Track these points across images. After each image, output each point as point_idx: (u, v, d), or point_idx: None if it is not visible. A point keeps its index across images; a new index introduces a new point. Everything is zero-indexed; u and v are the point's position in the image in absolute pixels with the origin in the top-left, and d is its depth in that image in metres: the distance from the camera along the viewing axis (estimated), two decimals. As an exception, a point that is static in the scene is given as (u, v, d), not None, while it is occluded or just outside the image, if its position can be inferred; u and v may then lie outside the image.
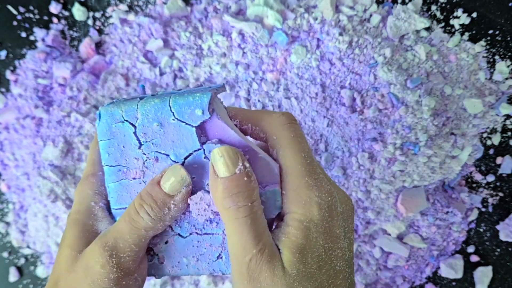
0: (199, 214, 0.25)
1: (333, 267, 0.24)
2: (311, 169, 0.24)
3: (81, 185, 0.28)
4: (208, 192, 0.25)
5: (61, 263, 0.26)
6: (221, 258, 0.26)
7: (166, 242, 0.27)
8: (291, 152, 0.25)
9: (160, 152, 0.26)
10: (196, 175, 0.26)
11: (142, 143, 0.26)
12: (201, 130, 0.26)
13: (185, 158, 0.26)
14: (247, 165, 0.23)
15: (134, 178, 0.27)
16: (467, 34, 0.53)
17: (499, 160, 0.54)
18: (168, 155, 0.26)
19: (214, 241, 0.26)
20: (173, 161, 0.26)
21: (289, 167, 0.25)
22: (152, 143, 0.26)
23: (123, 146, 0.26)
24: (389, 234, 0.53)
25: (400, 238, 0.53)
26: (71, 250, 0.26)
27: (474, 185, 0.55)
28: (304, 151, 0.25)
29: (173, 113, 0.26)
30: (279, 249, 0.23)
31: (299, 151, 0.25)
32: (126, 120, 0.26)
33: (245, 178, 0.23)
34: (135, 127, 0.26)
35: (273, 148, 0.26)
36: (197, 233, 0.27)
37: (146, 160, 0.26)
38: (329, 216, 0.24)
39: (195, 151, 0.26)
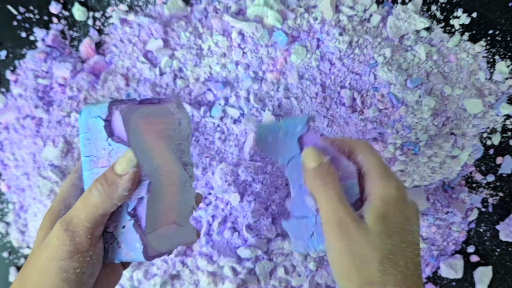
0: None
1: (405, 236, 0.30)
2: (390, 170, 0.33)
3: (64, 181, 0.32)
4: None
5: (35, 243, 0.31)
6: (313, 236, 0.33)
7: (123, 227, 0.30)
8: (374, 155, 0.33)
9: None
10: (296, 173, 0.35)
11: (109, 136, 0.30)
12: (299, 141, 0.35)
13: (289, 161, 0.35)
14: (327, 159, 0.32)
15: (102, 167, 0.30)
16: (467, 34, 0.53)
17: (499, 160, 0.54)
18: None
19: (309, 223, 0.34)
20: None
21: (373, 163, 0.32)
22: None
23: (95, 138, 0.30)
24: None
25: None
26: (42, 232, 0.30)
27: (474, 185, 0.55)
28: (383, 160, 0.33)
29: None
30: (363, 217, 0.30)
31: (380, 159, 0.33)
32: (98, 116, 0.30)
33: (327, 167, 0.32)
34: (105, 121, 0.30)
35: (358, 154, 0.33)
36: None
37: (111, 150, 0.30)
38: (403, 199, 0.31)
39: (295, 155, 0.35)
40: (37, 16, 0.54)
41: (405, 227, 0.30)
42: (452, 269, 0.54)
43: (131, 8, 0.54)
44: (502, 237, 0.54)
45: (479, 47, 0.53)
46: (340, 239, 0.30)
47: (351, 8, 0.52)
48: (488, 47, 0.53)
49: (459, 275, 0.54)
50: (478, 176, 0.54)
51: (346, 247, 0.29)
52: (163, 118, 0.34)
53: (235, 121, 0.51)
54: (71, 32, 0.55)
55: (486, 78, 0.53)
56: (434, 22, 0.54)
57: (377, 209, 0.30)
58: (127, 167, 0.29)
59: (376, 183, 0.31)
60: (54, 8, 0.54)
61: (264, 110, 0.51)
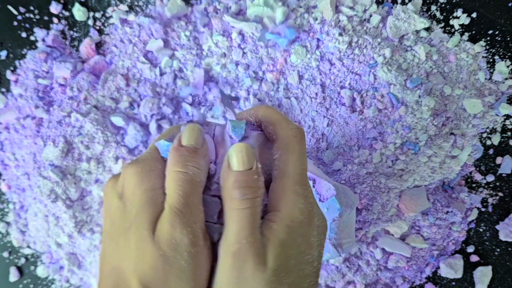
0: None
1: (303, 269, 0.26)
2: (303, 180, 0.27)
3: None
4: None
5: None
6: None
7: None
8: (293, 160, 0.27)
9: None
10: None
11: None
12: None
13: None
14: (259, 166, 0.26)
15: None
16: (466, 34, 0.54)
17: (498, 160, 0.54)
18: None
19: None
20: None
21: (286, 172, 0.27)
22: None
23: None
24: (392, 235, 0.53)
25: (402, 239, 0.53)
26: None
27: (474, 185, 0.55)
28: (303, 164, 0.27)
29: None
30: (263, 241, 0.25)
31: (300, 163, 0.27)
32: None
33: (255, 176, 0.25)
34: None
35: (278, 150, 0.28)
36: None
37: None
38: (308, 223, 0.26)
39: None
40: (38, 16, 0.54)
41: (306, 257, 0.26)
42: (452, 269, 0.54)
43: (131, 8, 0.54)
44: (502, 237, 0.54)
45: (479, 47, 0.53)
46: (230, 272, 0.24)
47: (351, 8, 0.52)
48: (488, 47, 0.53)
49: (459, 275, 0.54)
50: (477, 176, 0.54)
51: (233, 285, 0.24)
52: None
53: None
54: (71, 32, 0.55)
55: (486, 78, 0.53)
56: (434, 22, 0.54)
57: (276, 235, 0.25)
58: (200, 137, 0.26)
59: (281, 199, 0.26)
60: (55, 8, 0.54)
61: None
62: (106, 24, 0.55)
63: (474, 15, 0.53)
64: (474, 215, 0.54)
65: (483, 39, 0.53)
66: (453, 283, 0.55)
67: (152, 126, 0.51)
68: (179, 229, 0.24)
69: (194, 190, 0.25)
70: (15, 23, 0.54)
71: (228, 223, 0.25)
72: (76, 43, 0.55)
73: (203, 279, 0.25)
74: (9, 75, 0.54)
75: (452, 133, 0.52)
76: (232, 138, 0.28)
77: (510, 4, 0.53)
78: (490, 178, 0.54)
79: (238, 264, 0.24)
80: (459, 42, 0.53)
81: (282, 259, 0.24)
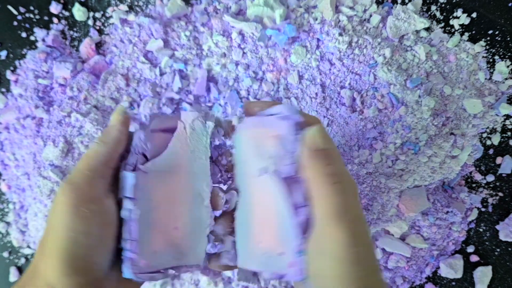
0: None
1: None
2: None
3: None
4: None
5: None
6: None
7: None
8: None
9: None
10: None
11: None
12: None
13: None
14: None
15: None
16: (466, 34, 0.54)
17: (498, 160, 0.54)
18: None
19: None
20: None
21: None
22: None
23: None
24: (392, 235, 0.53)
25: (402, 239, 0.53)
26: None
27: (474, 185, 0.55)
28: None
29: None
30: None
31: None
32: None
33: (337, 153, 0.29)
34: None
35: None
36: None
37: None
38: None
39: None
40: (38, 16, 0.54)
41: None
42: (452, 269, 0.54)
43: (131, 8, 0.54)
44: (502, 237, 0.54)
45: (479, 47, 0.53)
46: (362, 231, 0.27)
47: (351, 8, 0.52)
48: (488, 47, 0.53)
49: (459, 275, 0.54)
50: (477, 176, 0.54)
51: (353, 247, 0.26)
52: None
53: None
54: (71, 32, 0.55)
55: (486, 78, 0.53)
56: (434, 22, 0.54)
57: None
58: (117, 117, 0.31)
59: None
60: (55, 8, 0.54)
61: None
62: (106, 24, 0.55)
63: (474, 15, 0.53)
64: (474, 215, 0.54)
65: (483, 39, 0.53)
66: (453, 283, 0.55)
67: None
68: (59, 195, 0.28)
69: (83, 161, 0.29)
70: (15, 23, 0.54)
71: (330, 196, 0.27)
72: (76, 43, 0.55)
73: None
74: (9, 75, 0.54)
75: (452, 133, 0.52)
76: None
77: (510, 4, 0.53)
78: (490, 178, 0.54)
79: (354, 230, 0.26)
80: (459, 42, 0.53)
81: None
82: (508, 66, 0.53)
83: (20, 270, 0.57)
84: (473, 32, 0.54)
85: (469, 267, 0.55)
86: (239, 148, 0.32)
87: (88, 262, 0.28)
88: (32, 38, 0.54)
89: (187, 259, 0.31)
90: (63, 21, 0.55)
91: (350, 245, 0.26)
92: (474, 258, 0.55)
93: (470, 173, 0.55)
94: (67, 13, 0.55)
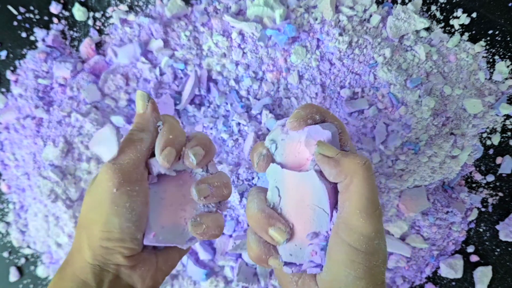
0: None
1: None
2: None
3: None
4: None
5: (88, 189, 0.34)
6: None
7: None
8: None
9: None
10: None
11: None
12: None
13: None
14: None
15: None
16: (466, 34, 0.54)
17: (498, 160, 0.54)
18: None
19: None
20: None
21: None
22: None
23: None
24: (392, 235, 0.53)
25: (402, 239, 0.53)
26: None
27: (474, 185, 0.55)
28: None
29: None
30: None
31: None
32: None
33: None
34: None
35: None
36: None
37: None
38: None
39: None
40: (38, 16, 0.54)
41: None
42: (452, 269, 0.54)
43: (131, 8, 0.54)
44: (502, 237, 0.54)
45: (479, 47, 0.53)
46: (380, 228, 0.30)
47: (351, 8, 0.52)
48: (488, 47, 0.53)
49: (459, 275, 0.54)
50: (478, 176, 0.54)
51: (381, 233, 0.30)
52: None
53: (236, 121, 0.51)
54: (71, 32, 0.55)
55: (486, 78, 0.53)
56: (434, 22, 0.54)
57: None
58: (144, 104, 0.34)
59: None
60: (54, 8, 0.54)
61: (264, 111, 0.51)
62: (106, 24, 0.55)
63: (474, 15, 0.53)
64: (474, 215, 0.54)
65: (483, 39, 0.53)
66: (453, 283, 0.55)
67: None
68: (105, 175, 0.31)
69: (129, 145, 0.32)
70: (15, 23, 0.54)
71: (364, 191, 0.30)
72: (76, 43, 0.55)
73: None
74: (9, 75, 0.54)
75: (452, 133, 0.52)
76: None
77: (510, 4, 0.53)
78: (490, 178, 0.54)
79: (379, 225, 0.30)
80: (459, 42, 0.53)
81: None
82: (508, 66, 0.53)
83: (20, 270, 0.57)
84: (473, 32, 0.54)
85: (469, 267, 0.55)
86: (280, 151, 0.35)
87: (129, 235, 0.31)
88: (32, 38, 0.54)
89: (182, 239, 0.34)
90: (63, 21, 0.55)
91: (373, 238, 0.29)
92: (474, 258, 0.55)
93: (470, 173, 0.55)
94: (67, 13, 0.55)
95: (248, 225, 0.51)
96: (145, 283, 0.33)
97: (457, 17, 0.54)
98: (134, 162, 0.32)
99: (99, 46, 0.55)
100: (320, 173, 0.32)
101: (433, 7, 0.54)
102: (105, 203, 0.31)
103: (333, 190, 0.32)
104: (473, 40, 0.54)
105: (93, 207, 0.31)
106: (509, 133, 0.54)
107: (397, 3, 0.53)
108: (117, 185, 0.30)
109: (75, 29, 0.55)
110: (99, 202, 0.31)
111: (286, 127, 0.34)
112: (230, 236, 0.52)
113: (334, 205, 0.32)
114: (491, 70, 0.53)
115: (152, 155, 0.34)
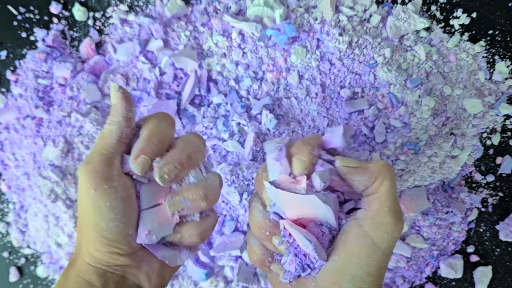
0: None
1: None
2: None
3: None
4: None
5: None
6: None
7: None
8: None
9: None
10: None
11: None
12: None
13: None
14: None
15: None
16: (466, 34, 0.54)
17: (498, 160, 0.54)
18: None
19: None
20: None
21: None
22: None
23: None
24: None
25: (402, 239, 0.53)
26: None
27: (474, 185, 0.55)
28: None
29: None
30: None
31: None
32: None
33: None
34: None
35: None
36: None
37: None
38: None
39: None
40: (38, 16, 0.54)
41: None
42: (452, 269, 0.54)
43: (131, 8, 0.54)
44: (502, 237, 0.54)
45: (479, 47, 0.53)
46: (400, 225, 0.30)
47: (351, 8, 0.52)
48: (488, 47, 0.53)
49: (459, 275, 0.54)
50: (478, 176, 0.54)
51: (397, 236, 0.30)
52: None
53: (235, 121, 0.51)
54: (71, 32, 0.55)
55: (486, 78, 0.53)
56: (434, 22, 0.54)
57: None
58: (115, 94, 0.32)
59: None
60: (54, 8, 0.54)
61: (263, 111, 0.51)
62: (106, 24, 0.55)
63: (474, 15, 0.53)
64: (474, 215, 0.54)
65: (483, 39, 0.53)
66: (453, 283, 0.55)
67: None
68: (82, 177, 0.30)
69: (99, 141, 0.32)
70: (15, 23, 0.54)
71: (391, 193, 0.31)
72: (76, 43, 0.55)
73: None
74: (9, 75, 0.54)
75: (452, 133, 0.52)
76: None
77: (510, 4, 0.53)
78: (490, 178, 0.54)
79: (401, 225, 0.31)
80: (459, 42, 0.53)
81: None
82: (508, 66, 0.53)
83: (20, 270, 0.57)
84: (473, 32, 0.54)
85: (469, 267, 0.55)
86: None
87: (119, 234, 0.30)
88: (32, 38, 0.54)
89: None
90: (63, 21, 0.55)
91: (395, 239, 0.30)
92: (474, 258, 0.55)
93: (470, 173, 0.55)
94: (67, 13, 0.55)
95: (248, 226, 0.51)
96: (151, 281, 0.32)
97: (457, 17, 0.54)
98: (106, 158, 0.31)
99: (99, 46, 0.55)
100: (324, 190, 0.31)
101: (433, 7, 0.54)
102: (89, 207, 0.30)
103: (335, 200, 0.32)
104: (473, 40, 0.54)
105: (82, 212, 0.31)
106: (509, 133, 0.54)
107: (397, 3, 0.53)
108: (94, 185, 0.29)
109: (75, 29, 0.55)
110: (84, 206, 0.30)
111: (293, 173, 0.32)
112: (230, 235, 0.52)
113: (337, 213, 0.32)
114: (491, 70, 0.53)
115: (129, 151, 0.32)
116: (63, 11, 0.54)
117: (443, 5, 0.54)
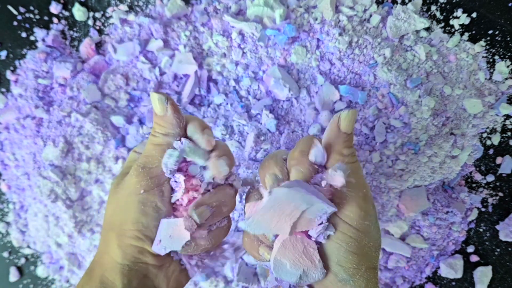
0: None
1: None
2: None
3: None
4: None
5: (110, 190, 0.35)
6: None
7: None
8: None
9: None
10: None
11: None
12: None
13: None
14: None
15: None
16: (466, 34, 0.54)
17: (498, 160, 0.54)
18: None
19: None
20: None
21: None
22: None
23: None
24: (392, 235, 0.53)
25: (402, 239, 0.53)
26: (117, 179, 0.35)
27: (474, 185, 0.55)
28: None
29: None
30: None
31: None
32: None
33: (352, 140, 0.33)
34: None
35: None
36: None
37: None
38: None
39: None
40: (37, 16, 0.54)
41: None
42: (452, 269, 0.54)
43: (131, 8, 0.54)
44: (502, 237, 0.54)
45: (479, 47, 0.53)
46: (371, 212, 0.31)
47: (351, 8, 0.52)
48: (488, 47, 0.53)
49: (459, 275, 0.54)
50: (478, 176, 0.54)
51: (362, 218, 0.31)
52: None
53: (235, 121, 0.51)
54: (71, 32, 0.55)
55: (486, 78, 0.53)
56: (434, 22, 0.54)
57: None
58: (162, 106, 0.32)
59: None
60: (54, 8, 0.54)
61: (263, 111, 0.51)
62: (106, 24, 0.55)
63: (474, 15, 0.53)
64: (474, 215, 0.54)
65: (483, 39, 0.53)
66: (453, 283, 0.55)
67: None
68: (134, 178, 0.32)
69: (157, 148, 0.33)
70: (15, 23, 0.54)
71: (358, 175, 0.32)
72: (76, 43, 0.55)
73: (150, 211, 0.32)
74: (9, 75, 0.54)
75: (452, 133, 0.52)
76: None
77: (510, 4, 0.53)
78: (490, 178, 0.54)
79: (370, 204, 0.32)
80: (459, 42, 0.53)
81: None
82: (508, 66, 0.53)
83: (20, 270, 0.57)
84: (473, 32, 0.54)
85: (469, 267, 0.55)
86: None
87: (155, 233, 0.32)
88: (32, 38, 0.54)
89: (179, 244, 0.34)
90: (63, 21, 0.55)
91: (363, 216, 0.30)
92: (474, 258, 0.55)
93: (470, 173, 0.55)
94: (67, 13, 0.55)
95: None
96: (169, 284, 0.34)
97: (457, 17, 0.54)
98: (160, 163, 0.32)
99: (99, 46, 0.55)
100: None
101: (433, 7, 0.54)
102: (133, 204, 0.32)
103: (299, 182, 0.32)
104: (473, 40, 0.54)
105: (121, 208, 0.32)
106: (509, 133, 0.54)
107: (397, 3, 0.53)
108: (145, 187, 0.32)
109: (75, 29, 0.55)
110: (126, 203, 0.32)
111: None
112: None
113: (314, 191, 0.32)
114: (491, 70, 0.53)
115: None
116: (63, 11, 0.54)
117: (443, 5, 0.54)
